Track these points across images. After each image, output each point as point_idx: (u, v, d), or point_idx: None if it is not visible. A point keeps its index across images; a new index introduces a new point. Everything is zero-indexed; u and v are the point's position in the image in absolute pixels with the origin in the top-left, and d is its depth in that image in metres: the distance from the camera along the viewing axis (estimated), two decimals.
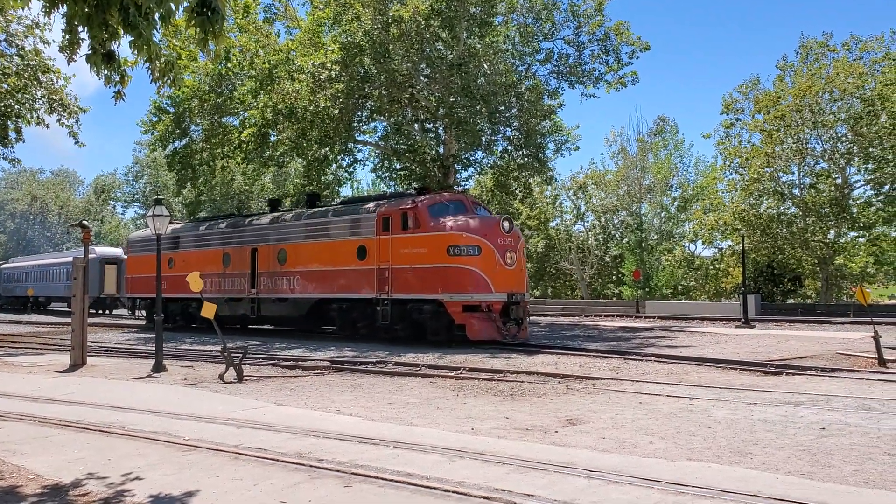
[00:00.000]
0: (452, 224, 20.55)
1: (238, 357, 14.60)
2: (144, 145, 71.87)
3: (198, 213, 37.95)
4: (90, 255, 22.17)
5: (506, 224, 20.78)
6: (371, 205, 22.95)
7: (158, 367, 15.70)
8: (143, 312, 32.04)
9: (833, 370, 14.26)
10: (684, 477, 6.52)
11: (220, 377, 14.20)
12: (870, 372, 14.09)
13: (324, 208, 25.88)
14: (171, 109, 30.18)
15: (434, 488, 6.24)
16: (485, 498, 5.95)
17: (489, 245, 20.17)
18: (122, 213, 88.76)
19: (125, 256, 48.08)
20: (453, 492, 6.12)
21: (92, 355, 18.72)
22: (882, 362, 15.19)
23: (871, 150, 36.41)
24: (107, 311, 46.28)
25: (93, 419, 9.88)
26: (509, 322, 20.06)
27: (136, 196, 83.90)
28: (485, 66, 26.54)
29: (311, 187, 32.52)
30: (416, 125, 29.72)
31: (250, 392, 12.66)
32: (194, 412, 10.35)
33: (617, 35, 29.21)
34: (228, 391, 12.76)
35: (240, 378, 14.12)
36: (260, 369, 16.09)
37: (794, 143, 38.47)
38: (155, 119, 30.68)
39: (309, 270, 24.25)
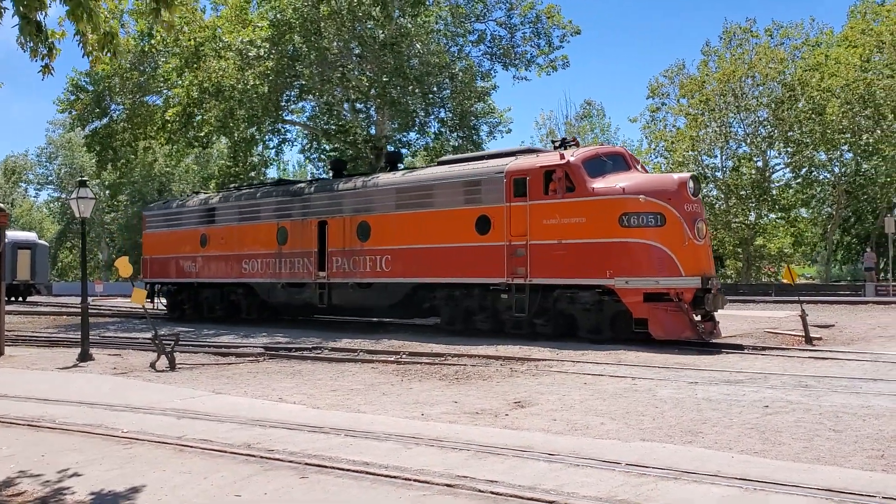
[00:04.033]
0: (627, 185, 15.77)
1: (170, 344, 14.10)
2: (58, 124, 69.14)
3: (119, 196, 36.54)
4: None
5: (692, 184, 16.03)
6: (494, 162, 17.94)
7: (85, 357, 15.03)
8: (163, 301, 27.06)
9: (765, 348, 14.64)
10: (642, 458, 6.51)
11: (152, 366, 13.68)
12: (799, 349, 14.54)
13: (423, 169, 21.09)
14: (90, 87, 28.95)
15: (394, 477, 6.07)
16: (448, 486, 5.82)
17: (674, 213, 15.40)
18: (34, 196, 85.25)
19: (41, 241, 46.21)
20: (414, 480, 5.97)
21: (9, 345, 17.83)
22: (809, 340, 15.67)
23: (790, 133, 37.61)
24: (20, 299, 44.39)
25: (19, 413, 9.35)
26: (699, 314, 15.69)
27: (50, 178, 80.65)
28: (417, 46, 26.24)
29: (236, 168, 31.73)
30: (346, 105, 29.25)
31: (185, 380, 12.22)
32: (129, 403, 9.92)
33: (548, 18, 29.31)
34: (162, 380, 12.31)
35: (172, 366, 13.64)
36: (192, 357, 15.57)
37: (717, 126, 39.44)
38: (73, 97, 29.37)
39: (403, 249, 19.23)
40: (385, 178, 20.57)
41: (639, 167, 17.72)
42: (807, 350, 14.35)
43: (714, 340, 15.37)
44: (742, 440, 7.35)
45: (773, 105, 37.85)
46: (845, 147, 38.35)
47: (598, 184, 15.97)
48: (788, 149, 38.90)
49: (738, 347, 14.87)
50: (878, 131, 34.59)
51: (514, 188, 16.96)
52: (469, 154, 22.91)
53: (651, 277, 15.19)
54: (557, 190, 16.24)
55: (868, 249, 39.05)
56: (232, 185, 28.34)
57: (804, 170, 39.58)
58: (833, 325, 18.73)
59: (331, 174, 24.26)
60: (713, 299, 15.37)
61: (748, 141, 40.02)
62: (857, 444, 7.07)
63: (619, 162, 17.04)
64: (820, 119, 35.98)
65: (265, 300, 22.99)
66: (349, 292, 20.46)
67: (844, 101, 34.53)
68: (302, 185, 23.28)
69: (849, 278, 51.70)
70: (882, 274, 39.94)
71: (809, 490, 5.45)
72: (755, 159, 40.28)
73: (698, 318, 15.44)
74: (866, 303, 26.39)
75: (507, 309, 17.12)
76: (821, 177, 41.21)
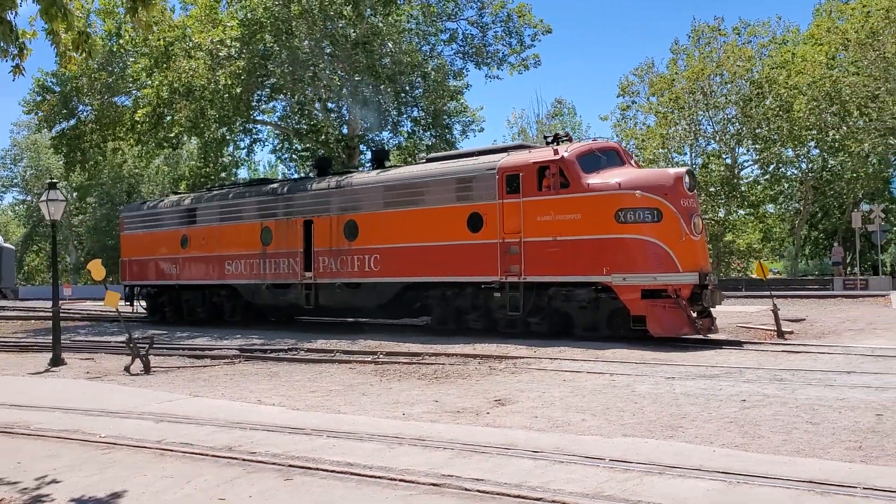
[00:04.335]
0: (622, 180, 15.53)
1: (144, 347, 13.94)
2: (23, 126, 68.05)
3: (88, 198, 36.00)
4: None
5: (688, 179, 15.74)
6: (485, 159, 17.60)
7: (57, 361, 14.80)
8: (143, 303, 26.20)
9: (739, 343, 14.80)
10: (626, 454, 6.55)
11: (126, 369, 13.52)
12: (772, 344, 14.70)
13: (412, 166, 20.70)
14: (57, 88, 28.53)
15: (379, 478, 6.05)
16: (434, 485, 5.81)
17: (671, 208, 15.15)
18: None
19: (7, 245, 45.39)
20: (400, 480, 5.96)
21: None
22: (781, 334, 15.87)
23: (758, 130, 38.08)
24: None
25: None
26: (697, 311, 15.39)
27: (16, 181, 79.26)
28: (389, 45, 26.18)
29: (207, 169, 31.45)
30: (318, 105, 29.11)
31: (161, 384, 12.10)
32: (105, 407, 9.78)
33: (519, 17, 29.40)
34: (138, 384, 12.17)
35: (147, 370, 13.49)
36: (166, 360, 15.41)
37: (687, 124, 39.83)
38: (39, 98, 28.92)
39: (393, 248, 18.75)
40: (373, 175, 20.14)
41: (632, 162, 17.61)
42: (780, 344, 14.52)
43: (712, 336, 15.29)
44: (722, 434, 7.42)
45: (741, 102, 38.30)
46: (812, 143, 38.95)
47: (593, 179, 15.69)
48: (756, 146, 39.40)
49: (715, 343, 14.99)
50: (844, 128, 35.14)
51: (506, 185, 16.66)
52: (459, 151, 22.63)
53: (648, 274, 14.95)
54: (551, 186, 15.98)
55: (835, 244, 39.70)
56: (214, 185, 27.83)
57: (772, 166, 40.12)
58: (804, 319, 18.98)
59: (311, 173, 23.75)
60: (711, 295, 15.29)
61: (717, 138, 40.47)
62: (834, 436, 7.17)
63: (612, 157, 16.79)
64: (787, 116, 36.47)
65: (249, 302, 22.53)
66: (337, 293, 20.03)
67: (811, 98, 35.00)
68: (286, 183, 22.78)
69: (816, 273, 52.47)
70: (849, 268, 40.62)
71: (792, 482, 5.52)
72: (724, 156, 40.73)
73: (695, 314, 15.23)
74: (835, 297, 26.81)
75: (501, 308, 16.83)
76: (788, 173, 41.82)
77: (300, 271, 20.76)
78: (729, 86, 38.71)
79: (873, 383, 9.76)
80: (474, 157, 18.12)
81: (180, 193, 27.48)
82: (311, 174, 26.53)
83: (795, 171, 41.67)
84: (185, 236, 24.08)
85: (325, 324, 22.04)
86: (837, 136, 35.66)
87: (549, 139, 17.66)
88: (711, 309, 15.65)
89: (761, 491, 5.41)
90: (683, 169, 16.09)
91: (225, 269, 22.72)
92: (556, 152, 16.12)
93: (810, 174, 40.50)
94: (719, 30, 39.79)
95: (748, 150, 40.64)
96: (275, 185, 22.83)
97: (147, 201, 28.29)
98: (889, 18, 32.68)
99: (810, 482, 5.50)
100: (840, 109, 34.96)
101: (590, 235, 15.48)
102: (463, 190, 17.50)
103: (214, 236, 23.20)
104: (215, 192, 24.57)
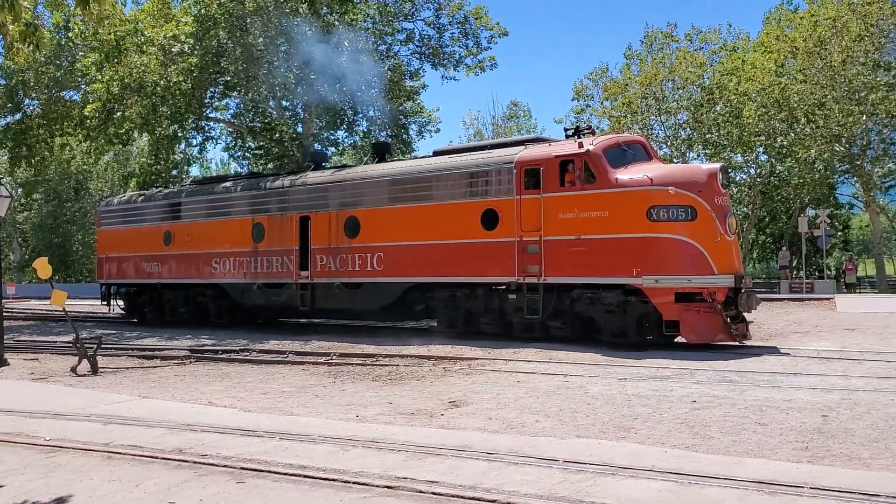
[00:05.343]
0: (654, 175, 14.50)
1: (92, 348, 13.64)
2: None
3: (34, 195, 35.15)
4: None
5: (721, 176, 14.76)
6: (500, 152, 16.59)
7: None
8: (121, 303, 24.83)
9: (692, 346, 14.97)
10: (579, 455, 6.60)
11: (73, 370, 13.20)
12: (721, 345, 14.90)
13: (418, 160, 19.15)
14: (2, 81, 27.80)
15: (333, 480, 6.00)
16: (388, 487, 5.78)
17: (705, 206, 14.19)
18: None
19: None
20: (354, 483, 5.91)
21: None
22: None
23: (708, 136, 38.67)
24: None
25: None
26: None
27: None
28: (345, 43, 26.04)
29: (158, 166, 30.92)
30: (272, 102, 28.82)
31: (109, 385, 11.85)
32: (51, 409, 9.53)
33: (476, 19, 29.44)
34: (85, 385, 11.90)
35: (94, 370, 13.20)
36: (115, 360, 15.11)
37: (639, 129, 40.24)
38: None
39: (398, 245, 17.72)
40: (376, 169, 19.11)
41: (658, 158, 16.70)
42: (728, 346, 14.75)
43: (747, 343, 14.50)
44: (673, 435, 7.52)
45: (692, 108, 38.86)
46: (761, 149, 39.68)
47: (622, 174, 14.72)
48: (707, 151, 39.98)
49: (665, 345, 15.14)
50: (792, 134, 35.83)
51: (525, 179, 15.65)
52: (469, 144, 21.74)
53: (683, 276, 14.00)
54: (576, 181, 14.97)
55: (782, 248, 40.57)
56: (200, 179, 26.77)
57: None
58: (751, 322, 19.27)
59: (306, 168, 22.55)
60: (747, 299, 14.39)
61: (669, 143, 40.99)
62: (782, 436, 7.31)
63: (639, 151, 15.82)
64: (737, 122, 37.10)
65: (238, 302, 21.31)
66: (335, 293, 18.92)
67: (760, 104, 35.66)
68: (281, 177, 21.47)
69: (763, 276, 53.54)
70: (795, 272, 41.53)
71: (741, 483, 5.60)
72: (675, 160, 41.29)
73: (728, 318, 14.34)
74: (782, 300, 27.34)
75: (517, 310, 15.85)
76: (737, 178, 42.54)
77: (295, 270, 19.74)
78: (681, 91, 39.26)
79: (819, 385, 9.98)
80: (487, 151, 17.24)
81: (163, 188, 26.34)
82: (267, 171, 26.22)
83: (744, 177, 42.44)
84: (168, 232, 22.92)
85: (276, 325, 21.82)
86: (785, 143, 36.35)
87: (570, 132, 16.71)
88: (746, 314, 14.81)
89: (711, 491, 5.48)
90: (717, 165, 15.23)
91: (212, 267, 21.61)
92: (580, 145, 15.13)
93: (759, 179, 41.29)
94: (672, 36, 40.36)
95: (699, 156, 41.22)
96: (269, 180, 21.58)
97: (127, 194, 26.86)
98: (836, 28, 33.48)
99: (759, 482, 5.59)
100: (788, 116, 35.67)
101: (618, 234, 14.50)
102: (476, 185, 16.52)
103: (201, 232, 22.03)
104: (202, 186, 23.42)
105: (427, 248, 17.18)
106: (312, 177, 20.25)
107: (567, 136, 16.67)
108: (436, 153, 18.88)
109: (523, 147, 16.39)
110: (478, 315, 16.69)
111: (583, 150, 14.94)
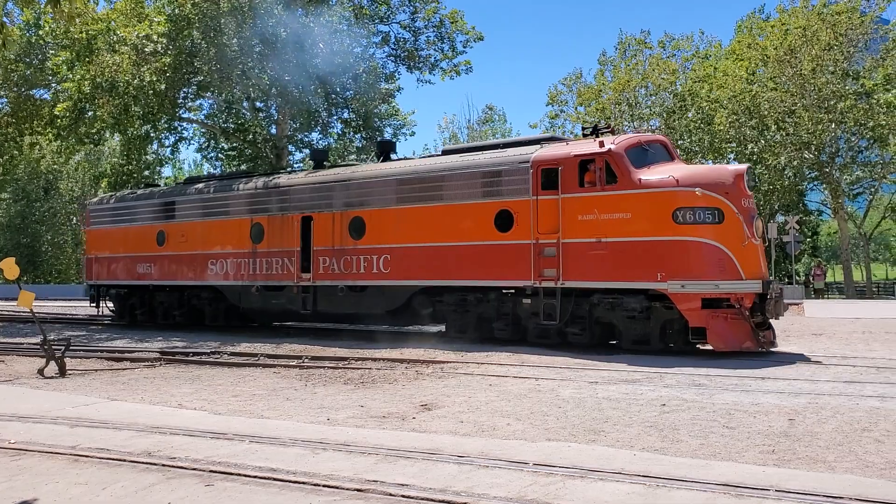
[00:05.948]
0: (679, 176, 13.91)
1: (60, 349, 13.47)
2: None
3: (2, 194, 34.68)
4: None
5: (748, 177, 14.37)
6: (515, 151, 15.94)
7: None
8: (110, 305, 24.16)
9: (657, 349, 15.10)
10: (549, 457, 6.62)
11: (40, 372, 13.02)
12: (690, 350, 15.05)
13: (427, 159, 18.34)
14: None
15: (303, 483, 5.97)
16: (358, 490, 5.77)
17: (732, 208, 13.69)
18: None
19: None
20: (324, 486, 5.89)
21: None
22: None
23: (680, 142, 39.07)
24: None
25: None
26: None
27: None
28: (320, 45, 25.97)
29: (129, 167, 30.65)
30: (246, 104, 28.69)
31: (77, 387, 11.71)
32: (16, 412, 9.40)
33: (452, 23, 29.53)
34: (52, 387, 11.75)
35: (62, 372, 13.04)
36: (83, 362, 14.93)
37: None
38: None
39: (406, 247, 17.10)
40: (383, 168, 18.47)
41: (679, 158, 16.25)
42: (697, 350, 14.87)
43: (774, 350, 14.05)
44: (642, 438, 7.58)
45: (664, 114, 39.30)
46: (732, 156, 40.15)
47: (644, 175, 14.14)
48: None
49: (636, 349, 15.24)
50: (762, 141, 36.36)
51: (542, 179, 15.04)
52: (480, 143, 21.11)
53: (710, 281, 13.42)
54: (596, 182, 14.39)
55: None
56: (196, 176, 26.27)
57: None
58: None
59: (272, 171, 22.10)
60: (775, 305, 13.96)
61: None
62: (749, 440, 7.40)
63: (660, 151, 15.26)
64: (708, 129, 37.59)
65: (235, 305, 20.63)
66: (339, 296, 18.22)
67: (731, 111, 36.16)
68: (281, 176, 20.77)
69: None
70: None
71: (708, 485, 5.66)
72: None
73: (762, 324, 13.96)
74: None
75: (532, 316, 15.25)
76: None
77: (296, 272, 19.03)
78: (653, 98, 39.70)
79: (786, 389, 10.12)
80: (500, 150, 16.64)
81: (155, 186, 25.77)
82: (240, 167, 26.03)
83: None
84: (161, 232, 22.21)
85: (247, 327, 21.68)
86: (756, 150, 36.86)
87: (588, 130, 16.17)
88: (773, 321, 14.33)
89: (679, 494, 5.54)
90: (744, 166, 14.67)
91: (208, 268, 20.91)
92: (601, 144, 14.45)
93: None
94: (645, 42, 40.77)
95: None
96: (268, 178, 20.82)
97: (118, 193, 26.11)
98: (806, 37, 34.04)
99: (726, 485, 5.65)
100: (759, 123, 36.19)
101: (642, 237, 13.91)
102: (490, 185, 15.88)
103: (196, 233, 21.35)
104: (198, 185, 22.66)
105: (437, 250, 16.59)
106: (315, 176, 19.57)
107: (584, 135, 16.16)
108: (445, 152, 18.46)
109: (539, 146, 15.81)
110: (489, 320, 16.12)
111: (604, 150, 14.32)
